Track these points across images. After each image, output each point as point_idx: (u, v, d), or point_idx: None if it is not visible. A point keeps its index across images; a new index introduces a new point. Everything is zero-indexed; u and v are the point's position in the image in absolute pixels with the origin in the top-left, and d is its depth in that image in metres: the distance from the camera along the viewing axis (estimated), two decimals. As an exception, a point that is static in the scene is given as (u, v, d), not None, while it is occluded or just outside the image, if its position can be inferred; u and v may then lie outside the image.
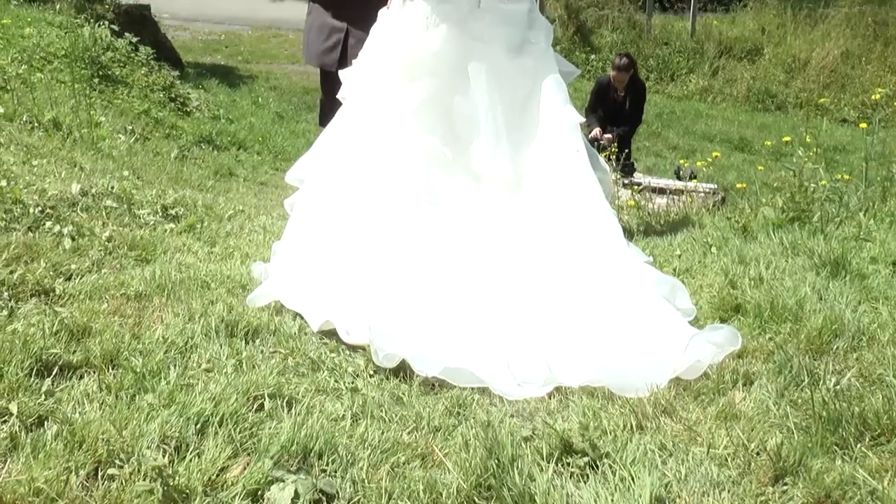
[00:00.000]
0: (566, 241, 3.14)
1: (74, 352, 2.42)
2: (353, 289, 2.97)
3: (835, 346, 2.65)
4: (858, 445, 2.11)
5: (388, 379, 2.62)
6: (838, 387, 2.38)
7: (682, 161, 8.50)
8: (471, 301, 2.94)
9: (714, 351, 2.69)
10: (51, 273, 2.93)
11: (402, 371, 2.66)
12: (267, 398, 2.34)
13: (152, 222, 3.75)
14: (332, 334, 2.90)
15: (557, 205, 3.24)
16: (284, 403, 2.34)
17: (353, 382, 2.56)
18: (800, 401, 2.36)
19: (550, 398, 2.57)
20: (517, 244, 3.15)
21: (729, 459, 2.14)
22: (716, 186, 7.34)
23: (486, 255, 3.10)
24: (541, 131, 3.39)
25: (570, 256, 3.10)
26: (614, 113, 8.61)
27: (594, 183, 3.30)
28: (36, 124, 5.08)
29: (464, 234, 3.15)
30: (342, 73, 3.74)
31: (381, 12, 3.61)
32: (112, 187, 3.93)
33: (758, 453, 2.14)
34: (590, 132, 8.38)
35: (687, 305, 3.07)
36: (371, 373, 2.65)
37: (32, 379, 2.24)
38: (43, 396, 2.18)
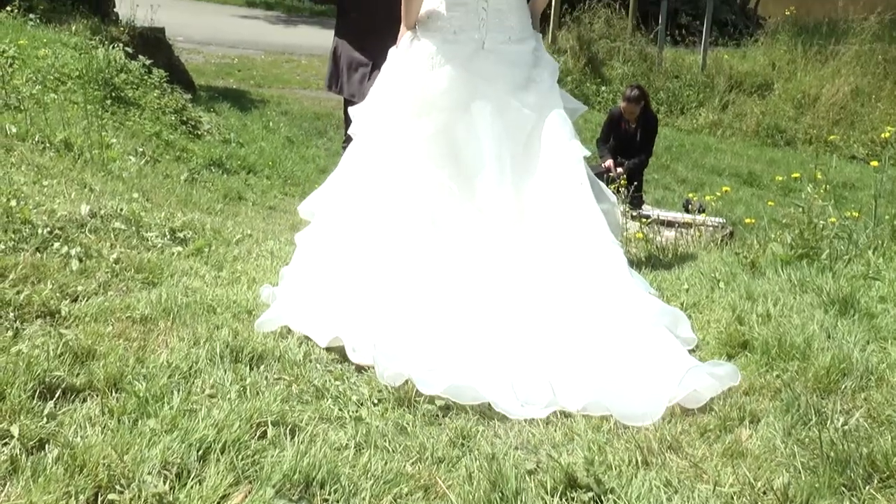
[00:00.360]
0: (569, 269, 3.18)
1: (78, 374, 2.41)
2: (361, 309, 3.02)
3: (843, 386, 2.62)
4: (867, 487, 2.09)
5: (392, 409, 2.60)
6: (846, 427, 2.36)
7: (690, 195, 8.50)
8: (476, 323, 2.98)
9: (713, 383, 2.71)
10: (57, 294, 2.93)
11: (406, 400, 2.65)
12: (270, 425, 2.33)
13: (160, 245, 3.75)
14: (336, 361, 2.91)
15: (560, 235, 3.28)
16: (287, 431, 2.33)
17: (357, 411, 2.55)
18: (807, 440, 2.33)
19: (555, 430, 2.55)
20: (521, 271, 3.19)
21: (735, 498, 2.12)
22: (724, 220, 7.34)
23: (491, 280, 3.14)
24: (545, 165, 3.43)
25: (573, 285, 3.13)
26: (625, 144, 8.64)
27: (598, 214, 3.34)
28: (47, 144, 5.10)
29: (469, 259, 3.20)
30: (351, 111, 3.83)
31: (391, 51, 3.69)
32: (121, 209, 3.93)
33: (764, 492, 2.12)
34: (602, 162, 8.42)
35: (689, 335, 3.11)
36: (375, 402, 2.64)
37: (35, 401, 2.23)
38: (45, 419, 2.17)
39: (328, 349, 2.97)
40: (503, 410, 2.63)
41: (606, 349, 2.88)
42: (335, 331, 2.96)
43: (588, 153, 3.56)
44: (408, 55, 3.57)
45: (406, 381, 2.71)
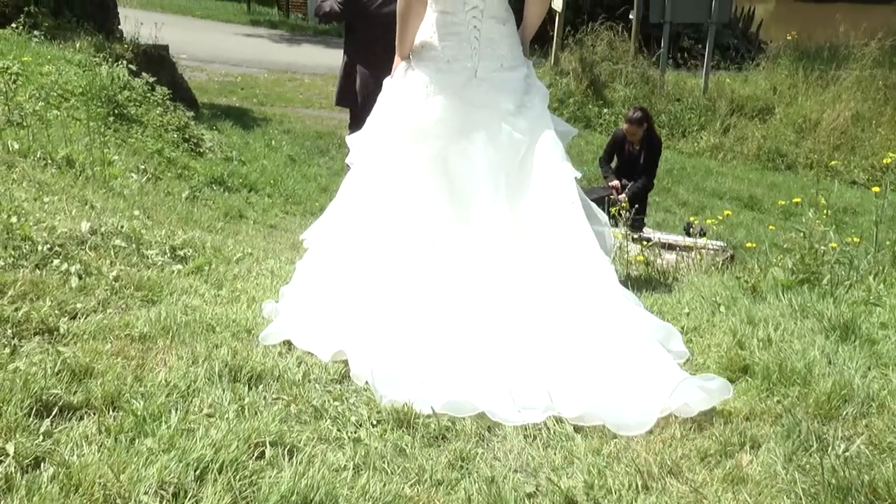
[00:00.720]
0: (563, 285, 3.25)
1: (75, 392, 2.40)
2: (360, 329, 3.08)
3: (844, 412, 2.61)
4: (868, 516, 2.07)
5: (391, 430, 2.59)
6: (847, 454, 2.35)
7: (692, 218, 8.51)
8: (473, 338, 3.06)
9: (704, 397, 2.76)
10: (56, 311, 2.92)
11: (405, 422, 2.64)
12: (268, 446, 2.32)
13: (160, 263, 3.74)
14: (335, 381, 2.90)
15: (553, 252, 3.35)
16: (286, 452, 2.32)
17: (355, 432, 2.54)
18: (808, 466, 2.32)
19: (555, 454, 2.54)
20: (516, 289, 3.26)
21: (735, 525, 2.10)
22: (725, 244, 7.32)
23: (488, 297, 3.21)
24: (537, 186, 3.50)
25: (568, 301, 3.19)
26: (629, 166, 8.66)
27: (589, 233, 3.41)
28: (49, 161, 5.10)
29: (466, 278, 3.28)
30: (348, 139, 3.94)
31: (386, 81, 3.78)
32: (122, 226, 3.93)
33: (765, 520, 2.10)
34: (608, 182, 8.48)
35: (680, 349, 3.19)
36: (374, 423, 2.63)
37: (31, 419, 2.23)
38: (41, 437, 2.16)
39: (328, 369, 2.96)
40: (501, 419, 2.70)
41: (601, 361, 2.95)
42: (338, 345, 3.04)
43: (579, 175, 3.61)
44: (402, 84, 3.66)
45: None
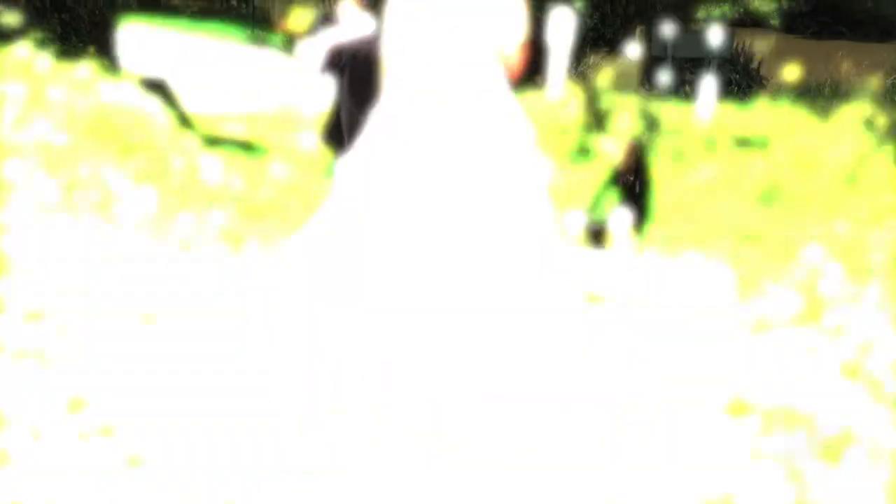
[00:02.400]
0: (527, 298, 3.47)
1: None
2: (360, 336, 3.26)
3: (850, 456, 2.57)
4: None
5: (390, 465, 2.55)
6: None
7: (691, 252, 8.49)
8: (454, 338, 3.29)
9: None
10: None
11: (403, 459, 2.61)
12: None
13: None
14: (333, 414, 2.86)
15: (520, 268, 3.55)
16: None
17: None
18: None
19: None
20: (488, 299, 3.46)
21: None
22: (725, 277, 7.27)
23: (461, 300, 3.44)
24: (508, 218, 3.67)
25: (534, 314, 3.42)
26: (625, 197, 8.69)
27: (557, 260, 3.65)
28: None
29: (442, 291, 3.47)
30: (337, 164, 4.14)
31: (373, 110, 3.90)
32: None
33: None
34: None
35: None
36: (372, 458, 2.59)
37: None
38: None
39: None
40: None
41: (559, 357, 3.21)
42: (339, 355, 3.18)
43: (552, 210, 3.72)
44: (385, 112, 3.82)
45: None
